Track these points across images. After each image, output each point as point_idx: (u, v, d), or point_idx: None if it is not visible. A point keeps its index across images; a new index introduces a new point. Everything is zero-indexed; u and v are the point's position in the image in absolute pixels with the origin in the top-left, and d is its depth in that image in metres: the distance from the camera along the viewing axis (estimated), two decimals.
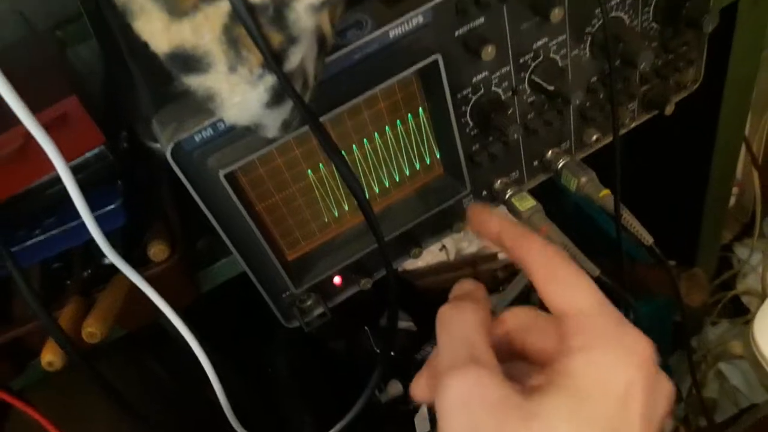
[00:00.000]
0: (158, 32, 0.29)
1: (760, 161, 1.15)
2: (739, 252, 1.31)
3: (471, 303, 0.32)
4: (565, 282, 0.30)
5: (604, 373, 0.27)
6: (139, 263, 0.50)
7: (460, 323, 0.31)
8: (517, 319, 0.33)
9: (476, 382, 0.27)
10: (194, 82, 0.30)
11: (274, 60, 0.29)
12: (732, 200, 1.28)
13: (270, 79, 0.30)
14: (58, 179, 0.52)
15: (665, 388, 0.29)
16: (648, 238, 0.53)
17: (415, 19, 0.41)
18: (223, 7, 0.28)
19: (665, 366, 1.11)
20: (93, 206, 0.44)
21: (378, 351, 0.79)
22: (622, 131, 0.57)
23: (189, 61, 0.29)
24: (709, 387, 1.18)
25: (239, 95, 0.31)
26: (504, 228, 0.33)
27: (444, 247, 1.00)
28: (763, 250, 1.22)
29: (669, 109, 0.56)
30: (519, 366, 0.32)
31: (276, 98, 0.32)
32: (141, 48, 0.30)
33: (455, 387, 0.27)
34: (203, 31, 0.29)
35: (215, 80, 0.30)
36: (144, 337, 0.68)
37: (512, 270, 0.98)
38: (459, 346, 0.29)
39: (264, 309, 0.55)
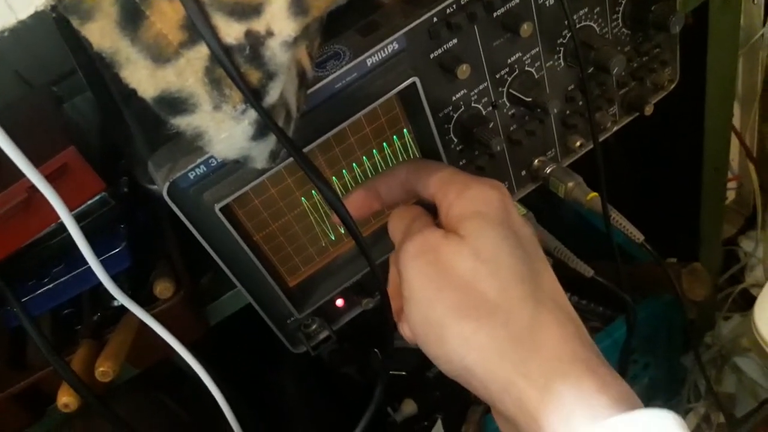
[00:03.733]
0: (144, 79, 0.30)
1: (755, 153, 1.16)
2: (745, 245, 1.31)
3: (413, 205, 0.41)
4: (426, 170, 0.40)
5: (482, 196, 0.37)
6: (147, 302, 0.51)
7: (407, 213, 0.40)
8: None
9: (425, 236, 0.37)
10: (182, 122, 0.32)
11: (253, 96, 0.31)
12: (732, 194, 1.29)
13: (253, 113, 0.32)
14: (63, 228, 0.55)
15: (520, 211, 0.38)
16: (638, 236, 0.54)
17: (391, 45, 0.43)
18: (203, 51, 0.30)
19: (679, 365, 1.11)
20: (99, 251, 0.45)
21: (390, 372, 0.80)
22: (605, 135, 0.59)
23: (175, 103, 0.31)
24: (727, 382, 1.18)
25: (225, 131, 0.32)
26: (372, 185, 0.43)
27: None
28: (766, 241, 1.22)
29: (648, 110, 0.58)
30: None
31: (261, 131, 0.33)
32: (132, 96, 0.32)
33: (411, 245, 0.37)
34: (186, 75, 0.30)
35: (202, 119, 0.32)
36: (157, 375, 0.69)
37: None
38: (409, 224, 0.39)
39: (273, 337, 0.56)
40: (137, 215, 0.58)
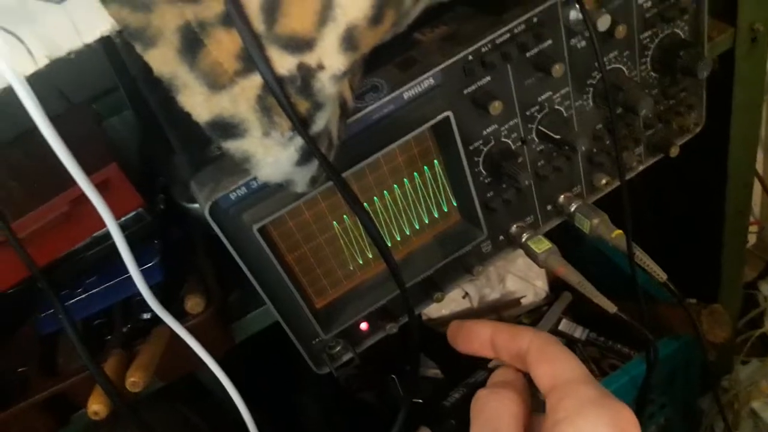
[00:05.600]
0: (199, 104, 0.32)
1: None
2: (765, 290, 1.30)
3: (510, 392, 0.33)
4: (553, 358, 0.32)
5: None
6: (177, 317, 0.53)
7: (495, 410, 0.32)
8: None
9: None
10: (232, 146, 0.34)
11: (301, 125, 0.32)
12: (753, 238, 1.29)
13: (300, 141, 0.34)
14: (98, 240, 0.57)
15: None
16: (662, 275, 0.55)
17: (427, 81, 0.45)
18: (257, 80, 0.32)
19: (695, 407, 1.10)
20: None
21: (411, 401, 0.80)
22: (630, 174, 0.60)
23: (227, 128, 0.33)
24: (744, 427, 1.16)
25: (272, 156, 0.34)
26: (495, 327, 0.36)
27: (467, 294, 1.01)
28: None
29: (674, 152, 0.59)
30: None
31: (305, 157, 0.35)
32: (180, 118, 0.34)
33: None
34: (240, 102, 0.32)
35: (251, 144, 0.34)
36: (178, 388, 0.70)
37: (536, 315, 0.99)
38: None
39: (294, 357, 0.57)
40: (171, 231, 0.60)
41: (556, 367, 0.32)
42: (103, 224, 0.43)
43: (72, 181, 0.39)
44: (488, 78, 0.47)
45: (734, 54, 0.69)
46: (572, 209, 0.57)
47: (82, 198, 0.41)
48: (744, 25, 0.67)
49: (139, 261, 0.55)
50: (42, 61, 0.31)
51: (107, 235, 0.56)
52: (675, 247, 0.93)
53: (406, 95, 0.45)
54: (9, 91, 0.30)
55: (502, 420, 0.31)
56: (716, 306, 0.79)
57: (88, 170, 0.51)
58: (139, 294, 0.57)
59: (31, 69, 0.31)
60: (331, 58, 0.31)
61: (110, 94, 0.73)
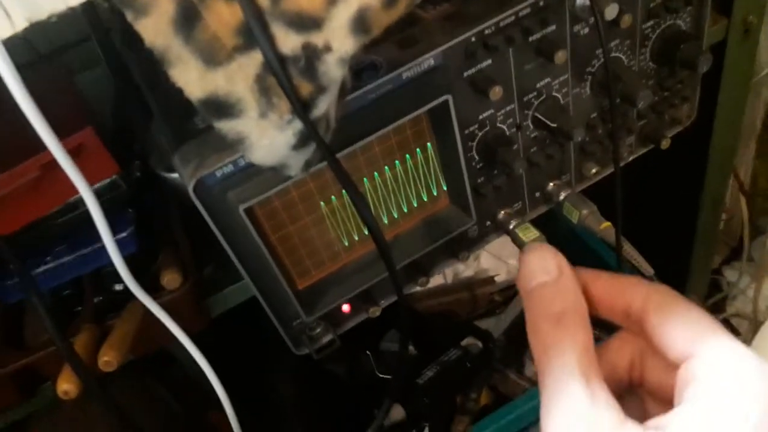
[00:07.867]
0: (193, 80, 0.30)
1: (747, 187, 1.18)
2: (729, 275, 1.33)
3: (571, 322, 0.26)
4: (686, 317, 0.26)
5: (742, 371, 0.23)
6: (151, 290, 0.51)
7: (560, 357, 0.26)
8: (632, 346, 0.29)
9: (587, 417, 0.24)
10: (225, 126, 0.32)
11: (302, 108, 0.30)
12: (721, 225, 1.31)
13: (298, 124, 0.32)
14: (69, 208, 0.54)
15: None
16: (649, 269, 0.55)
17: (427, 61, 0.43)
18: (257, 58, 0.30)
19: None
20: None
21: (380, 375, 0.80)
22: (621, 164, 0.59)
23: (222, 107, 0.31)
24: None
25: (268, 139, 0.32)
26: (594, 276, 0.29)
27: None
28: (752, 274, 1.25)
29: (665, 144, 0.58)
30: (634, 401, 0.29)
31: (302, 141, 0.33)
32: (163, 84, 0.31)
33: (563, 418, 0.24)
34: (237, 80, 0.30)
35: (246, 125, 0.32)
36: (148, 360, 0.69)
37: (509, 293, 0.99)
38: (582, 356, 0.25)
39: (268, 335, 0.56)
40: (146, 200, 0.58)
41: (692, 330, 0.25)
42: (75, 191, 0.41)
43: (44, 144, 0.37)
44: (489, 61, 0.46)
45: (725, 45, 0.68)
46: (561, 198, 0.56)
47: (55, 162, 0.38)
48: (738, 17, 0.66)
49: (112, 230, 0.53)
50: (21, 25, 0.28)
51: (80, 202, 0.54)
52: (648, 233, 0.94)
53: (405, 75, 0.43)
54: None
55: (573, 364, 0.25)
56: (692, 297, 0.80)
57: (61, 133, 0.48)
58: (111, 264, 0.55)
59: (8, 32, 0.28)
60: (339, 40, 0.29)
61: (82, 45, 0.69)
